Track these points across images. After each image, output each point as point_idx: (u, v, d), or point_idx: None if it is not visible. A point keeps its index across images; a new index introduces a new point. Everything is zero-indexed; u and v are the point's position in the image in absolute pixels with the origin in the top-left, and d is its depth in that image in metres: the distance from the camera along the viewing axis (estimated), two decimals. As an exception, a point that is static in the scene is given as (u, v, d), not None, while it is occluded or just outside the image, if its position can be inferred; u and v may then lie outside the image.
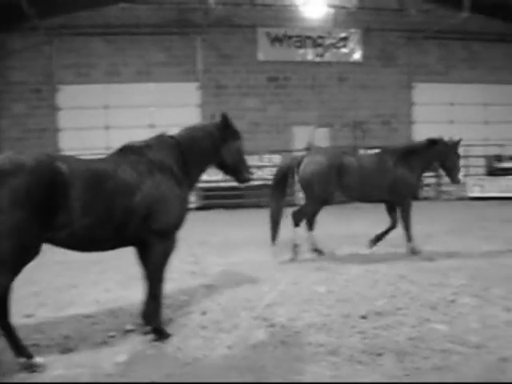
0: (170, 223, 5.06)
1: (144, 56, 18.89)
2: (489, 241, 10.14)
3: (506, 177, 17.74)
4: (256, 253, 9.34)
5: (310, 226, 9.11)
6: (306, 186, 8.77)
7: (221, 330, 5.39)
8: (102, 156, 5.19)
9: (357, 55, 19.99)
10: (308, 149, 17.85)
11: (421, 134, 19.75)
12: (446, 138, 9.36)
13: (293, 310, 5.97)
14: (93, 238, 4.68)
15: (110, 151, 5.18)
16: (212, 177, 15.06)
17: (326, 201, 8.88)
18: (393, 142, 19.12)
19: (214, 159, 5.70)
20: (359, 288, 6.82)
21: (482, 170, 18.59)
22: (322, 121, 19.29)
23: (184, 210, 5.24)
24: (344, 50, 20.04)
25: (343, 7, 19.65)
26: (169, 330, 5.26)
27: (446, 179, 18.02)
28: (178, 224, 5.17)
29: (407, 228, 9.01)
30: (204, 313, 5.92)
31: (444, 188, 18.52)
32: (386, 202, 9.24)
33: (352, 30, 19.95)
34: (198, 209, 16.81)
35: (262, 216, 14.76)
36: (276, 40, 19.55)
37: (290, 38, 19.66)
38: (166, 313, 5.47)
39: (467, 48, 21.25)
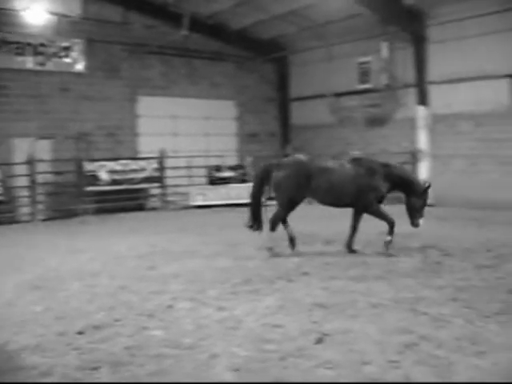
0: None
1: None
2: (209, 245, 10.72)
3: (225, 185, 19.07)
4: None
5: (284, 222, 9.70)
6: (277, 191, 9.47)
7: None
8: None
9: (80, 66, 19.52)
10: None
11: (146, 145, 20.18)
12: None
13: (5, 333, 5.60)
14: None
15: None
16: None
17: (296, 204, 9.47)
18: (118, 154, 19.16)
19: None
20: (78, 303, 6.69)
21: (204, 180, 19.57)
22: (43, 132, 18.38)
23: None
24: (67, 60, 19.42)
25: (66, 16, 19.06)
26: None
27: (171, 189, 18.87)
28: None
29: (387, 221, 9.33)
30: None
31: (169, 198, 19.12)
32: (353, 207, 9.59)
33: (75, 40, 19.43)
34: None
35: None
36: (-7, 45, 18.18)
37: (8, 44, 18.43)
38: None
39: (188, 64, 22.19)
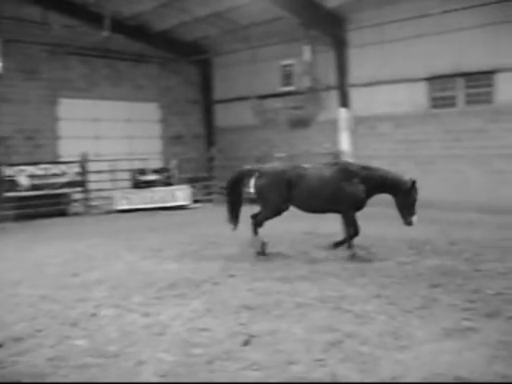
0: None
1: None
2: (133, 250, 10.54)
3: (149, 189, 18.78)
4: None
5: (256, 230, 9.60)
6: (260, 199, 9.51)
7: None
8: None
9: (-4, 67, 18.80)
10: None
11: (67, 149, 19.65)
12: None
13: None
14: None
15: None
16: None
17: (281, 211, 9.47)
18: (38, 159, 18.52)
19: None
20: (-3, 314, 6.42)
21: (127, 184, 19.21)
22: (-42, 136, 17.67)
23: None
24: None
25: (-20, 15, 18.34)
26: None
27: (95, 194, 18.44)
28: None
29: (350, 233, 9.22)
30: None
31: (92, 203, 18.65)
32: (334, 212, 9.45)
33: (-9, 40, 18.71)
34: None
35: None
36: None
37: None
38: None
39: (110, 66, 21.79)
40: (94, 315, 6.26)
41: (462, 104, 16.97)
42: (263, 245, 9.53)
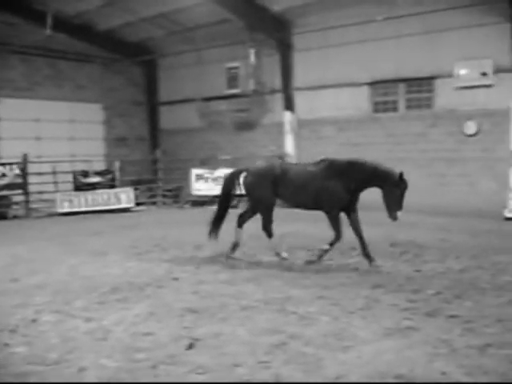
0: None
1: None
2: (75, 254, 10.31)
3: (92, 191, 18.41)
4: None
5: (240, 223, 9.62)
6: (249, 197, 9.65)
7: None
8: None
9: None
10: None
11: (7, 150, 19.11)
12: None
13: None
14: None
15: None
16: None
17: (272, 206, 9.45)
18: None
19: None
20: None
21: (70, 186, 18.74)
22: None
23: None
24: None
25: None
26: None
27: (36, 196, 17.98)
28: None
29: (335, 233, 8.99)
30: None
31: (33, 205, 18.18)
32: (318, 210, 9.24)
33: None
34: None
35: None
36: None
37: None
38: None
39: (52, 66, 21.34)
40: (34, 321, 6.09)
41: (403, 109, 17.41)
42: (277, 247, 9.49)
